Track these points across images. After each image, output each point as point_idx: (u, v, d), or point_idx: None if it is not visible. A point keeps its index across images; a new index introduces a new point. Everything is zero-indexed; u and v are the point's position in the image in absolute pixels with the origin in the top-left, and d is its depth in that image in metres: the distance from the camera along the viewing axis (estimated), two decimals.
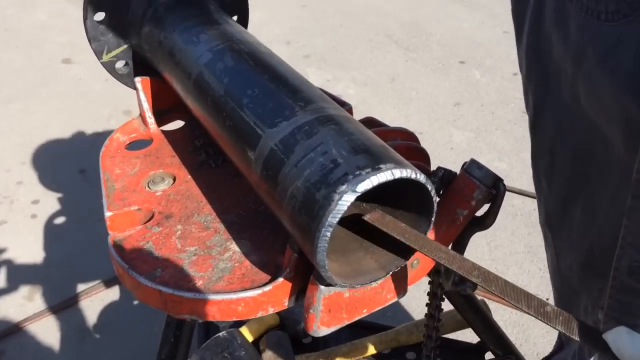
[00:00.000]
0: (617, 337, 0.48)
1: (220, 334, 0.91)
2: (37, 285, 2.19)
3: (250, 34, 0.83)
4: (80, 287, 2.15)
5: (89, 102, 3.16)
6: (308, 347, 1.13)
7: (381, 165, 0.53)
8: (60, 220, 2.49)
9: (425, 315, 0.88)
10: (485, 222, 0.69)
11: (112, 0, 0.91)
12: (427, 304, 0.89)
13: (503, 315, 1.93)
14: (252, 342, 1.12)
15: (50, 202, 2.54)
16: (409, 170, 0.54)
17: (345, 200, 0.51)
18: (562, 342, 0.93)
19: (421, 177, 0.55)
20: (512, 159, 2.63)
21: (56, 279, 2.19)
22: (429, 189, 0.56)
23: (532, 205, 2.27)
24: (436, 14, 3.89)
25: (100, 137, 2.91)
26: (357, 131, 0.60)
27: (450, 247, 0.71)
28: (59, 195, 2.59)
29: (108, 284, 2.17)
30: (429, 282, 0.84)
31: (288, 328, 1.13)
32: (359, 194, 0.52)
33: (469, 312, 0.96)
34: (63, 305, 2.07)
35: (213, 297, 0.64)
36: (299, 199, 0.55)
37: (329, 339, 1.12)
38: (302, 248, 0.59)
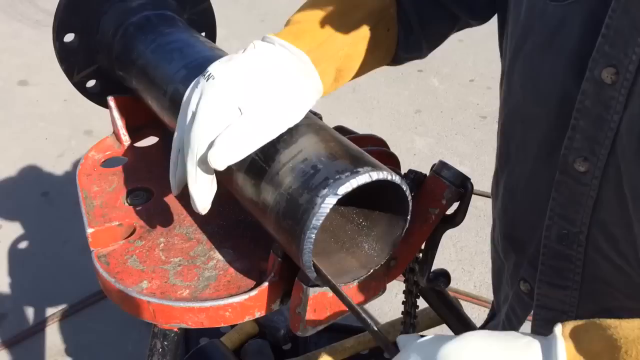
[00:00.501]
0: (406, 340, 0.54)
1: (203, 345, 0.93)
2: (3, 312, 2.15)
3: (222, 50, 0.86)
4: (49, 311, 2.12)
5: (48, 123, 3.11)
6: (289, 353, 1.15)
7: (359, 169, 0.57)
8: (24, 244, 2.44)
9: (402, 313, 0.92)
10: (456, 219, 0.73)
11: (81, 21, 0.92)
12: (403, 302, 0.93)
13: (472, 313, 1.99)
14: (233, 351, 1.14)
15: (13, 227, 2.50)
16: (385, 173, 0.57)
17: (327, 203, 0.55)
18: (494, 312, 0.99)
19: (397, 179, 0.59)
20: (472, 162, 2.71)
21: (23, 305, 2.15)
22: (405, 189, 0.60)
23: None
24: None
25: (62, 159, 2.87)
26: (333, 138, 0.64)
27: (424, 244, 0.75)
28: (22, 219, 2.54)
29: (77, 307, 2.14)
30: (404, 281, 0.88)
31: (268, 335, 1.15)
32: (340, 196, 0.55)
33: (443, 308, 1.00)
34: (32, 331, 2.04)
35: (201, 304, 0.66)
36: (283, 205, 0.58)
37: (309, 344, 1.14)
38: (287, 252, 0.62)
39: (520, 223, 0.78)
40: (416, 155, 2.77)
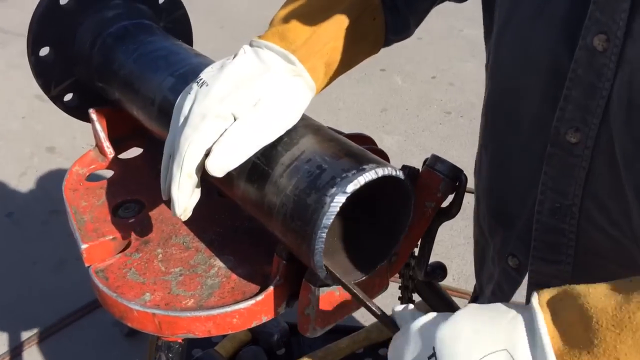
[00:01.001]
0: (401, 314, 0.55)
1: (200, 355, 0.92)
2: None
3: (206, 56, 0.85)
4: (24, 335, 2.05)
5: (7, 141, 3.02)
6: (283, 358, 1.15)
7: (364, 166, 0.57)
8: None
9: None
10: (451, 211, 0.75)
11: (56, 34, 0.90)
12: (399, 298, 0.94)
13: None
14: None
15: None
16: (390, 169, 0.58)
17: (337, 202, 0.55)
18: (476, 295, 0.99)
19: (400, 174, 0.60)
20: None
21: None
22: (408, 184, 0.61)
23: (467, 198, 2.40)
24: None
25: (25, 177, 2.79)
26: (332, 138, 0.64)
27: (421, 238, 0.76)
28: None
29: (53, 329, 2.08)
30: (400, 276, 0.89)
31: (261, 342, 1.14)
32: (349, 194, 0.55)
33: (436, 300, 1.01)
34: (7, 358, 1.97)
35: (207, 313, 0.66)
36: (290, 206, 0.58)
37: (303, 347, 1.14)
38: (296, 253, 0.62)
39: (510, 198, 0.78)
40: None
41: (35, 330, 2.06)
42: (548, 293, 0.49)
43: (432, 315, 0.52)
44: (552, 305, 0.48)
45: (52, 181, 2.75)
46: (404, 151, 2.81)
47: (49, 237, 2.38)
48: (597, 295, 0.46)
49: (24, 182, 2.76)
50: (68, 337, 2.06)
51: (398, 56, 3.55)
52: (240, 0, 4.54)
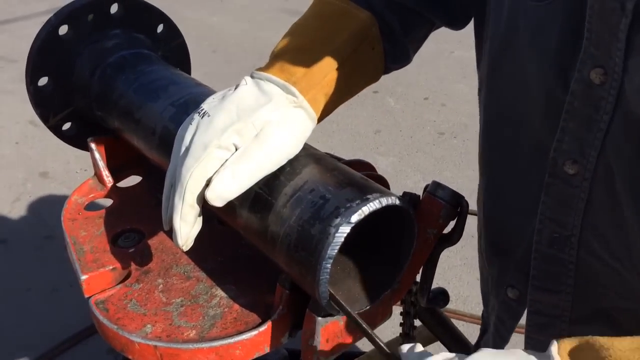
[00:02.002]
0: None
1: None
2: None
3: (206, 85, 0.86)
4: None
5: (0, 167, 3.00)
6: None
7: (368, 196, 0.57)
8: None
9: (400, 334, 0.92)
10: (453, 237, 0.75)
11: (55, 64, 0.91)
12: (401, 324, 0.93)
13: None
14: None
15: None
16: (393, 198, 0.58)
17: (341, 233, 0.55)
18: (485, 327, 0.98)
19: (404, 204, 0.60)
20: (435, 177, 2.73)
21: None
22: (411, 213, 0.61)
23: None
24: None
25: (18, 204, 2.77)
26: (335, 167, 0.64)
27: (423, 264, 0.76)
28: None
29: (47, 356, 2.05)
30: (401, 303, 0.89)
31: None
32: (354, 224, 0.56)
33: (438, 327, 1.01)
34: None
35: (210, 344, 0.65)
36: (294, 237, 0.58)
37: None
38: (299, 283, 0.62)
39: (507, 228, 0.78)
40: None
41: (29, 358, 2.04)
42: (569, 343, 0.49)
43: (441, 358, 0.51)
44: (573, 356, 0.47)
45: (45, 207, 2.74)
46: (399, 172, 2.82)
47: (42, 264, 2.36)
48: (621, 349, 0.46)
49: (17, 208, 2.74)
50: None
51: (390, 78, 3.57)
52: (232, 24, 4.59)
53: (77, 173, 2.92)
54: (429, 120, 3.21)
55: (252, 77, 0.70)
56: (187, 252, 0.78)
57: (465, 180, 2.68)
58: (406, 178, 2.77)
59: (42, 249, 2.46)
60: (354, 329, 0.67)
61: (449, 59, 3.73)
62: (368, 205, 0.56)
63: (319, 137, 3.12)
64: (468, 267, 2.26)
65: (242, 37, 4.35)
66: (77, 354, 2.06)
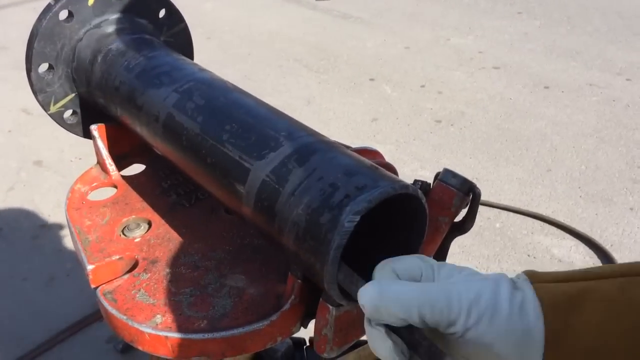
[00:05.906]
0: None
1: None
2: None
3: (207, 70, 0.84)
4: (15, 354, 2.00)
5: None
6: None
7: (378, 184, 0.56)
8: None
9: None
10: (465, 226, 0.74)
11: (56, 50, 0.89)
12: None
13: None
14: None
15: None
16: (404, 186, 0.57)
17: (351, 221, 0.54)
18: None
19: (415, 191, 0.59)
20: (433, 166, 2.76)
21: None
22: (423, 201, 0.60)
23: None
24: (339, 35, 4.02)
25: (13, 192, 2.74)
26: (344, 154, 0.63)
27: (434, 253, 0.75)
28: None
29: (44, 347, 2.04)
30: None
31: (265, 358, 1.12)
32: (364, 212, 0.54)
33: None
34: None
35: (221, 334, 0.64)
36: (302, 226, 0.57)
37: None
38: (308, 273, 0.61)
39: None
40: None
41: (26, 349, 2.02)
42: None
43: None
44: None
45: (40, 195, 2.71)
46: (397, 160, 2.81)
47: (39, 253, 2.34)
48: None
49: (12, 197, 2.71)
50: (60, 355, 2.02)
51: (386, 65, 3.57)
52: (225, 11, 4.54)
53: (71, 162, 2.89)
54: (425, 108, 3.19)
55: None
56: (195, 242, 0.77)
57: (463, 168, 2.67)
58: (404, 166, 2.76)
59: (38, 237, 2.44)
60: None
61: (445, 47, 3.71)
62: (378, 192, 0.55)
63: (315, 125, 3.08)
64: (466, 254, 2.26)
65: (235, 23, 4.31)
66: (75, 344, 2.05)
